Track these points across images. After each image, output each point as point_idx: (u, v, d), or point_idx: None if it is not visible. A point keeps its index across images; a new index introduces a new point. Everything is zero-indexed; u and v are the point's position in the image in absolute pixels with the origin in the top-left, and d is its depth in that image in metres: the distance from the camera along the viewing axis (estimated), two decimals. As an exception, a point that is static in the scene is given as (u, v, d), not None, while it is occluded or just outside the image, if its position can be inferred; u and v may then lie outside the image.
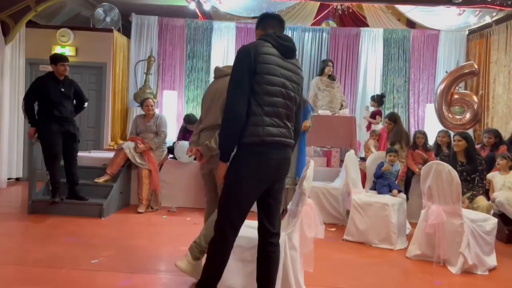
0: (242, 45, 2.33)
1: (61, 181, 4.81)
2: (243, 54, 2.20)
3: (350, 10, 8.32)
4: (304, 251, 2.70)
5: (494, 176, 4.77)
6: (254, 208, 2.32)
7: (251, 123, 2.17)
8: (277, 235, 2.36)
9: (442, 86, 5.77)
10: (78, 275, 3.05)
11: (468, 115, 6.03)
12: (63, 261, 3.31)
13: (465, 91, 6.86)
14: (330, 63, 6.48)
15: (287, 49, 2.28)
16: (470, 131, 7.28)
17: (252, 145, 2.18)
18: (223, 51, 7.92)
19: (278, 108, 2.22)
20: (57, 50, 7.03)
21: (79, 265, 3.24)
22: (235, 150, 2.24)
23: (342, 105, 6.42)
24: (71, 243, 3.79)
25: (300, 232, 2.65)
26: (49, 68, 4.88)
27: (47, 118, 4.66)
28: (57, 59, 4.76)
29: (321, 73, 6.44)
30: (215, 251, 2.27)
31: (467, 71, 5.69)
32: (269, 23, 2.39)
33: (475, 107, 5.71)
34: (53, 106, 4.65)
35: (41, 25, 7.40)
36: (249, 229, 2.70)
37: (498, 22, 7.09)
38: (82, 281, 2.96)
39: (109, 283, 2.95)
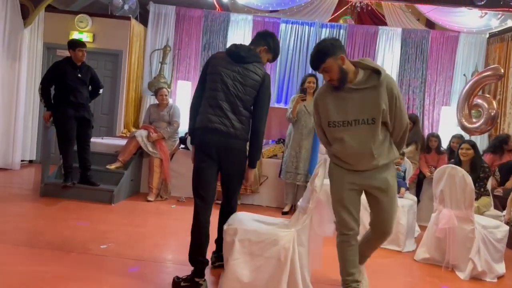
0: None
1: (74, 165, 4.86)
2: (206, 61, 2.86)
3: (369, 8, 8.22)
4: (313, 249, 2.69)
5: None
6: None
7: (200, 113, 2.76)
8: (232, 210, 2.97)
9: (465, 89, 5.68)
10: (87, 259, 3.09)
11: (482, 120, 5.93)
12: (73, 244, 3.35)
13: (485, 95, 6.74)
14: None
15: (236, 55, 2.74)
16: (485, 136, 7.20)
17: (198, 129, 2.76)
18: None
19: (218, 101, 2.69)
20: (75, 35, 7.08)
21: (89, 249, 3.28)
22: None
23: None
24: (81, 227, 3.84)
25: (309, 229, 2.64)
26: (66, 53, 4.91)
27: (63, 103, 4.70)
28: (76, 44, 4.78)
29: None
30: (193, 223, 2.77)
31: (492, 74, 5.59)
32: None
33: (492, 113, 5.61)
34: (69, 91, 4.68)
35: (60, 10, 7.45)
36: (259, 223, 2.71)
37: (520, 26, 6.95)
38: (91, 265, 2.99)
39: (117, 269, 2.98)
